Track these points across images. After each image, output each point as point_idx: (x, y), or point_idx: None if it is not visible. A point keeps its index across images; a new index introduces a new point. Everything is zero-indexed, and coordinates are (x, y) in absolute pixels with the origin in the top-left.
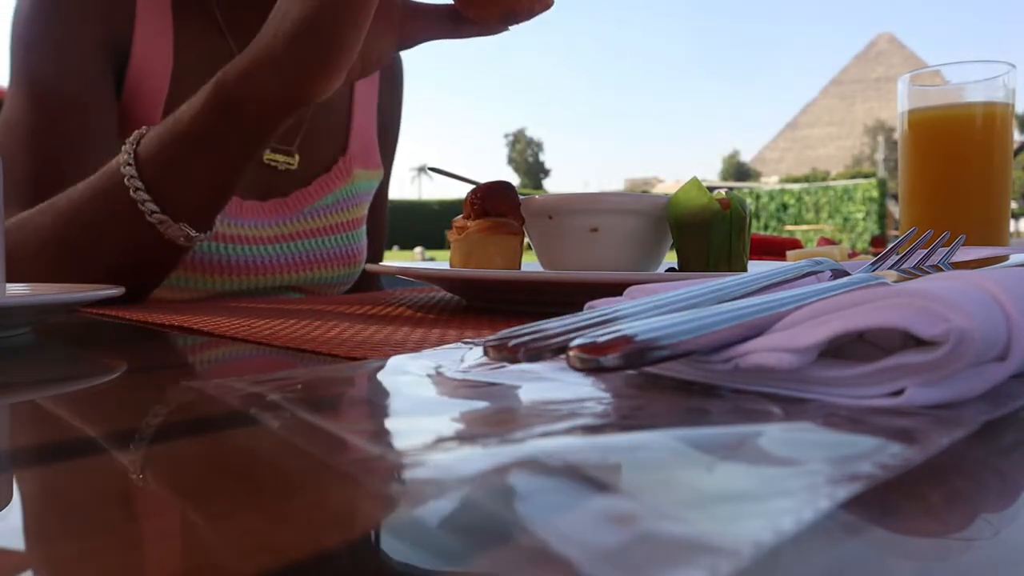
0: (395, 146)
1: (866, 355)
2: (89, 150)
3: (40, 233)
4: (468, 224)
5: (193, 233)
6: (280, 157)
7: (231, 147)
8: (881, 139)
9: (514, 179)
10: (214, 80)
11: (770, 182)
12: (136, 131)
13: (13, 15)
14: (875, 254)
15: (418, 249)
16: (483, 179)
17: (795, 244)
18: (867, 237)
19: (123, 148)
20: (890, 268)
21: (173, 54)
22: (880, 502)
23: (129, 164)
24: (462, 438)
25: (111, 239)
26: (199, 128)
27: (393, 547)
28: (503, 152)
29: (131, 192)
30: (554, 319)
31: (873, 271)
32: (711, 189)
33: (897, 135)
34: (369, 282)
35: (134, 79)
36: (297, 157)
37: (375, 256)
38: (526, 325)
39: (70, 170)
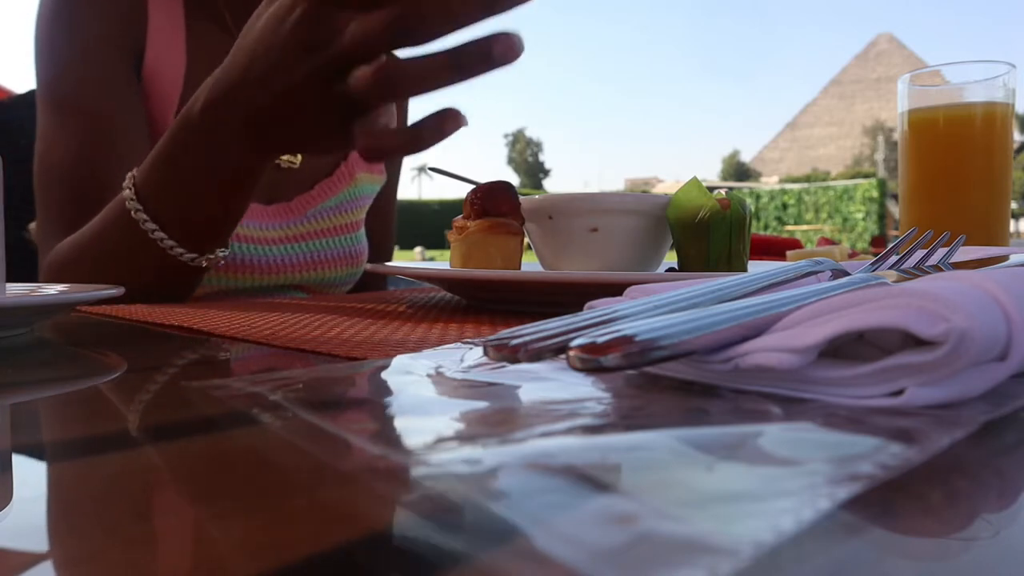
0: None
1: (866, 355)
2: (125, 160)
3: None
4: (468, 224)
5: (212, 256)
6: (283, 155)
7: (211, 170)
8: (881, 139)
9: (514, 179)
10: (185, 108)
11: (770, 182)
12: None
13: (35, 32)
14: (875, 254)
15: (418, 249)
16: (483, 179)
17: (795, 244)
18: (867, 237)
19: (123, 184)
20: (890, 268)
21: (186, 54)
22: (880, 502)
23: (132, 199)
24: (462, 438)
25: (140, 271)
26: (176, 150)
27: (393, 547)
28: (503, 152)
29: (140, 224)
30: (554, 319)
31: (873, 271)
32: (711, 189)
33: (897, 135)
34: (376, 282)
35: (148, 80)
36: (299, 156)
37: (385, 257)
38: (526, 325)
39: (108, 176)
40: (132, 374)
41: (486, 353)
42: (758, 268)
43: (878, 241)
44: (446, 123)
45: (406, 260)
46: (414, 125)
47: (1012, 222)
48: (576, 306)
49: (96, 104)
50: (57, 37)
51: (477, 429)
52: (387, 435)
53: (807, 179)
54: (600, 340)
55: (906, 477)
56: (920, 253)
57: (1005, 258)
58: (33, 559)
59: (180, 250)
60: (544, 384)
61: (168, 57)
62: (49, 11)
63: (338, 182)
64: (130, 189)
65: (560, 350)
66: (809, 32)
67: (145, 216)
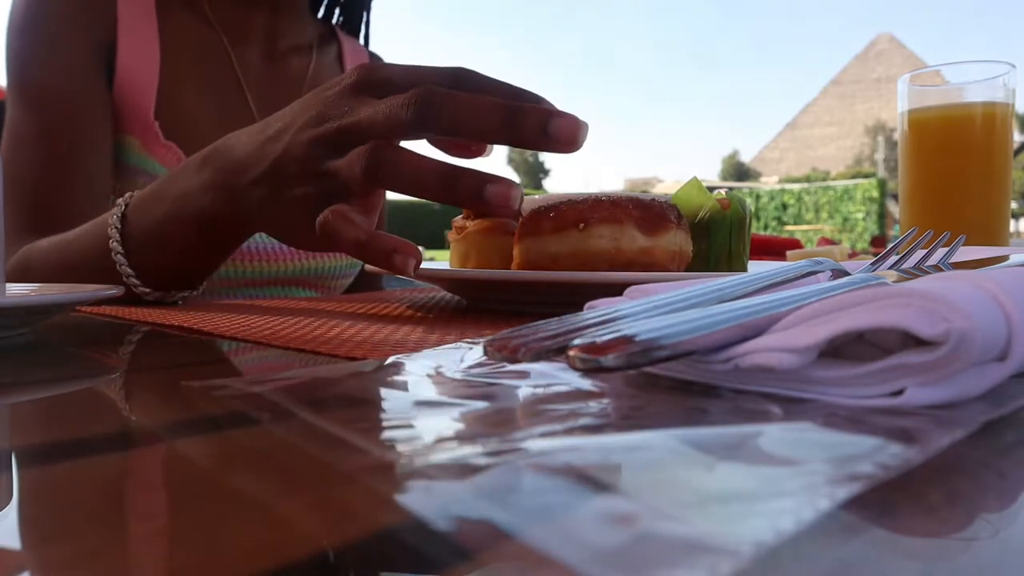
0: None
1: (866, 355)
2: (88, 152)
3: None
4: (468, 224)
5: (179, 297)
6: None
7: (192, 219)
8: (881, 139)
9: (514, 179)
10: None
11: (770, 182)
12: (123, 197)
13: (7, 27)
14: (875, 254)
15: None
16: None
17: (795, 244)
18: (867, 237)
19: (110, 221)
20: (890, 268)
21: (160, 47)
22: (880, 502)
23: (116, 227)
24: (462, 438)
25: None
26: (169, 188)
27: (393, 547)
28: (503, 152)
29: (113, 255)
30: (554, 319)
31: (873, 271)
32: (711, 189)
33: (897, 135)
34: (370, 282)
35: (123, 74)
36: None
37: None
38: (526, 325)
39: (71, 172)
40: (132, 374)
41: (486, 353)
42: (758, 268)
43: (878, 241)
44: (399, 264)
45: None
46: (376, 243)
47: (1012, 222)
48: (576, 306)
49: (61, 99)
50: (27, 33)
51: (477, 429)
52: (387, 435)
53: (807, 179)
54: (600, 340)
55: (906, 477)
56: (920, 253)
57: (1005, 258)
58: (33, 559)
59: (135, 281)
60: (544, 384)
61: (141, 52)
62: (20, 5)
63: None
64: (117, 217)
65: (560, 350)
66: (809, 32)
67: (120, 249)
